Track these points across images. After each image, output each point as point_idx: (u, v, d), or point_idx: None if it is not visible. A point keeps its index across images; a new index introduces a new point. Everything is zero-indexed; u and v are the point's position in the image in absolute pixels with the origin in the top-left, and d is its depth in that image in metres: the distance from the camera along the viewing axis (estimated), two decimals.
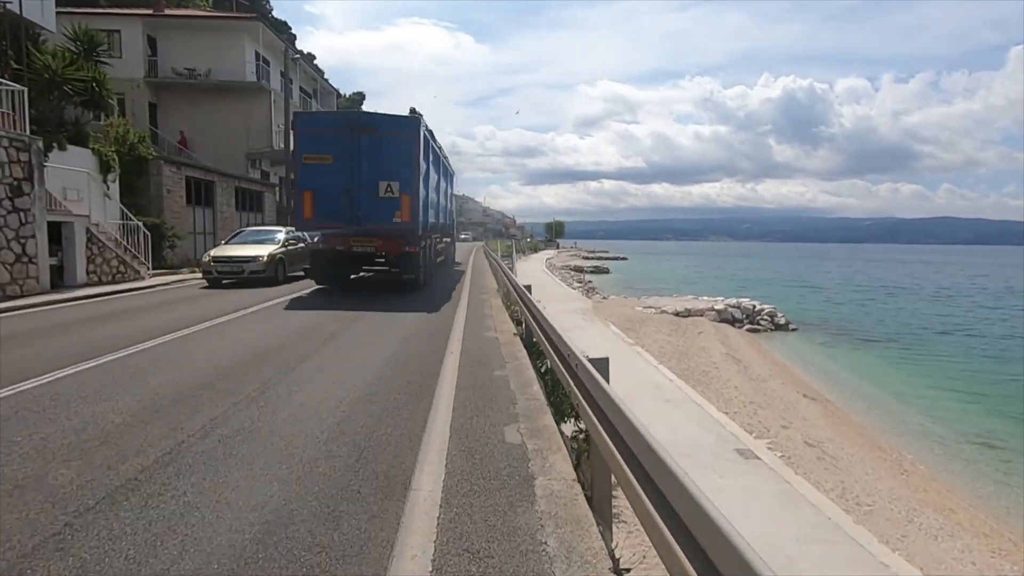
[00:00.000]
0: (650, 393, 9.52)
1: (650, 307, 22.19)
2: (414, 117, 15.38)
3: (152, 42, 28.44)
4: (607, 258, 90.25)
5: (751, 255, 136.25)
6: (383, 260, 14.72)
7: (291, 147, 17.02)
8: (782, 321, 22.26)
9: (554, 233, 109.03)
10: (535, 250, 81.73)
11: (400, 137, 13.29)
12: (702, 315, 21.51)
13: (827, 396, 12.47)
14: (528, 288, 10.81)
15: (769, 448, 7.97)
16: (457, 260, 28.17)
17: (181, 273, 19.72)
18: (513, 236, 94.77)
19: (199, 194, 23.90)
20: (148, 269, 18.25)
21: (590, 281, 42.50)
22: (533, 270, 42.84)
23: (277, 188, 30.89)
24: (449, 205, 22.67)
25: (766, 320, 22.23)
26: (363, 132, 13.10)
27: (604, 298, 25.52)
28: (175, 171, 21.90)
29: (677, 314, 21.33)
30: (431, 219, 16.19)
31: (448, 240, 25.72)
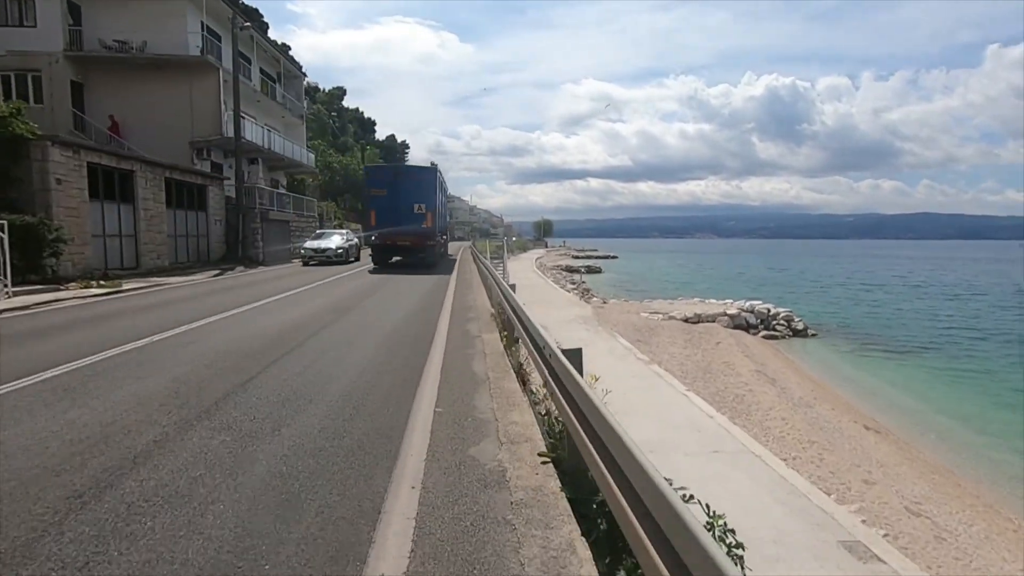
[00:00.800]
0: (691, 440, 7.28)
1: (656, 312, 20.04)
2: (432, 167, 25.69)
3: (75, 9, 23.79)
4: (597, 257, 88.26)
5: (742, 252, 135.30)
6: (414, 250, 23.37)
7: (365, 189, 25.39)
8: (800, 326, 20.22)
9: (542, 232, 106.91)
10: (523, 249, 79.50)
11: (424, 178, 23.42)
12: (714, 321, 19.39)
13: (889, 426, 10.34)
14: (513, 287, 11.71)
15: (865, 523, 5.77)
16: (449, 254, 34.17)
17: (67, 288, 14.50)
18: (492, 235, 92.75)
19: (111, 187, 18.86)
20: (5, 286, 13.07)
21: (584, 282, 40.37)
22: (523, 270, 40.71)
23: (225, 183, 25.50)
24: (447, 215, 32.85)
25: (783, 325, 20.18)
26: (403, 175, 23.77)
27: (604, 302, 23.31)
28: (70, 156, 16.80)
29: (687, 320, 19.19)
30: (440, 225, 25.34)
31: (446, 238, 34.19)
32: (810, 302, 30.05)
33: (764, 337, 19.14)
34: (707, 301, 23.89)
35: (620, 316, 19.26)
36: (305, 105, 30.33)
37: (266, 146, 27.52)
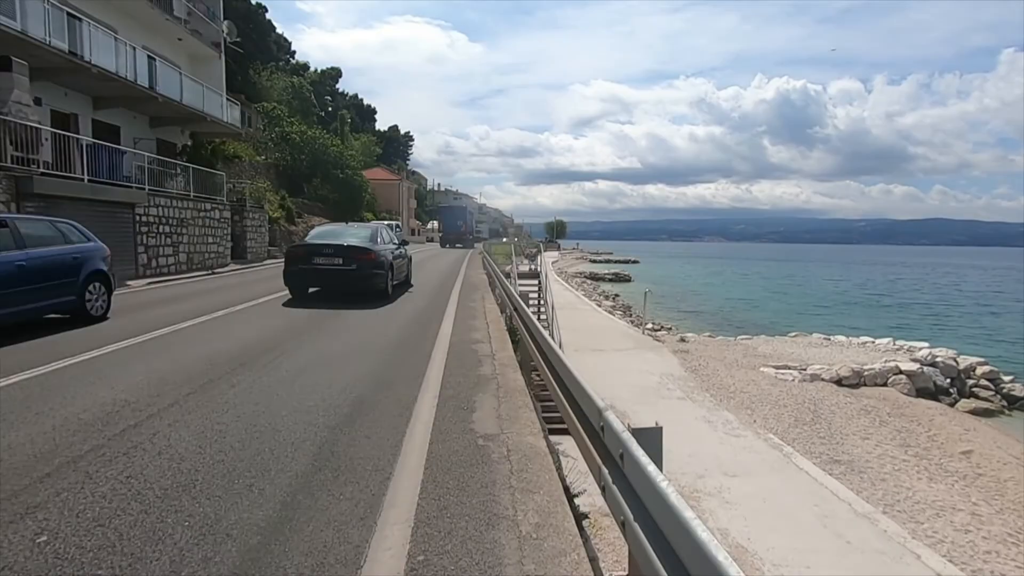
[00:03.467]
0: None
1: (784, 367, 12.47)
2: (464, 204, 71.49)
3: None
4: (617, 261, 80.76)
5: (770, 258, 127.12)
6: (460, 242, 45.53)
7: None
8: (1019, 390, 12.60)
9: (555, 233, 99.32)
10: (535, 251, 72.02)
11: (465, 207, 62.95)
12: (885, 383, 11.82)
13: None
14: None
15: None
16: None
17: None
18: (502, 235, 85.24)
19: None
20: None
21: (617, 295, 33.05)
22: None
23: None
24: (474, 224, 55.68)
25: (987, 388, 12.57)
26: (455, 205, 68.40)
27: (682, 340, 15.65)
28: None
29: (841, 383, 11.65)
30: (471, 232, 51.15)
31: (471, 236, 50.27)
32: (970, 336, 22.21)
33: (973, 412, 11.58)
34: (833, 340, 16.28)
35: (729, 374, 11.70)
36: (225, 30, 21.26)
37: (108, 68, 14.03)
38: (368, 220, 40.91)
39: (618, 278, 46.45)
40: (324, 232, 11.49)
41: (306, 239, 11.54)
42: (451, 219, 49.77)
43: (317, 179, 29.84)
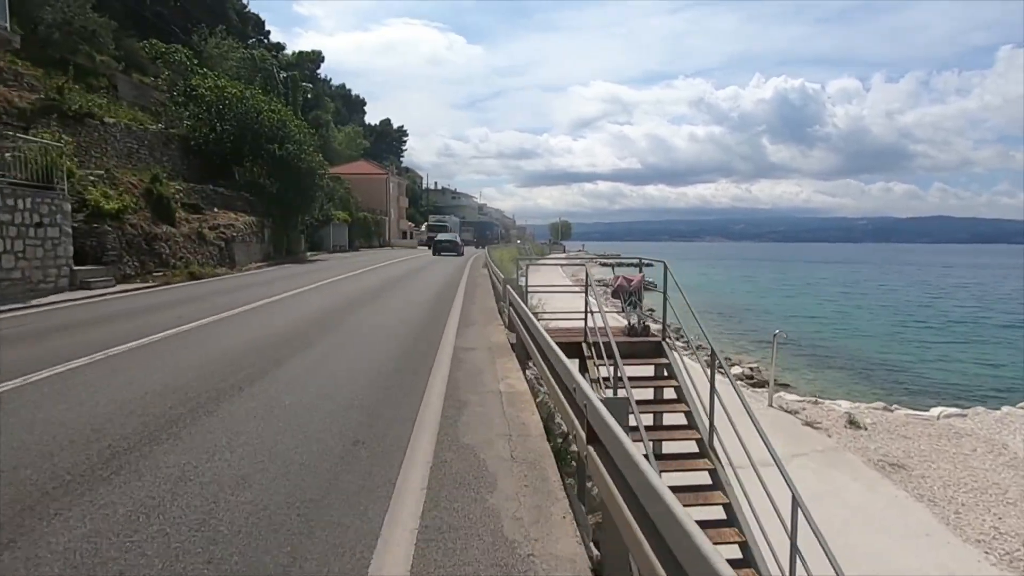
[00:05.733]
0: None
1: None
2: (446, 220, 58.05)
3: None
4: (629, 264, 73.58)
5: (782, 258, 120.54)
6: (453, 250, 37.89)
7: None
8: None
9: (559, 235, 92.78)
10: (541, 255, 65.37)
11: (447, 224, 56.20)
12: None
13: None
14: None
15: None
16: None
17: None
18: (504, 238, 78.72)
19: None
20: None
21: (651, 311, 26.50)
22: (545, 284, 27.32)
23: None
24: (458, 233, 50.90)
25: None
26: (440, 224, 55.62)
27: (853, 424, 8.87)
28: None
29: None
30: (459, 239, 43.61)
31: (462, 245, 45.24)
32: None
33: None
34: None
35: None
36: None
37: None
38: (335, 219, 33.51)
39: (645, 288, 39.77)
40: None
41: None
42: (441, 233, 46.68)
43: (249, 159, 20.50)
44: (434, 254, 36.07)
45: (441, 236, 47.23)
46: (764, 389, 12.39)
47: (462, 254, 38.88)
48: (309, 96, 53.14)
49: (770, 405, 9.49)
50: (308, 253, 27.80)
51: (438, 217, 58.97)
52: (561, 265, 33.23)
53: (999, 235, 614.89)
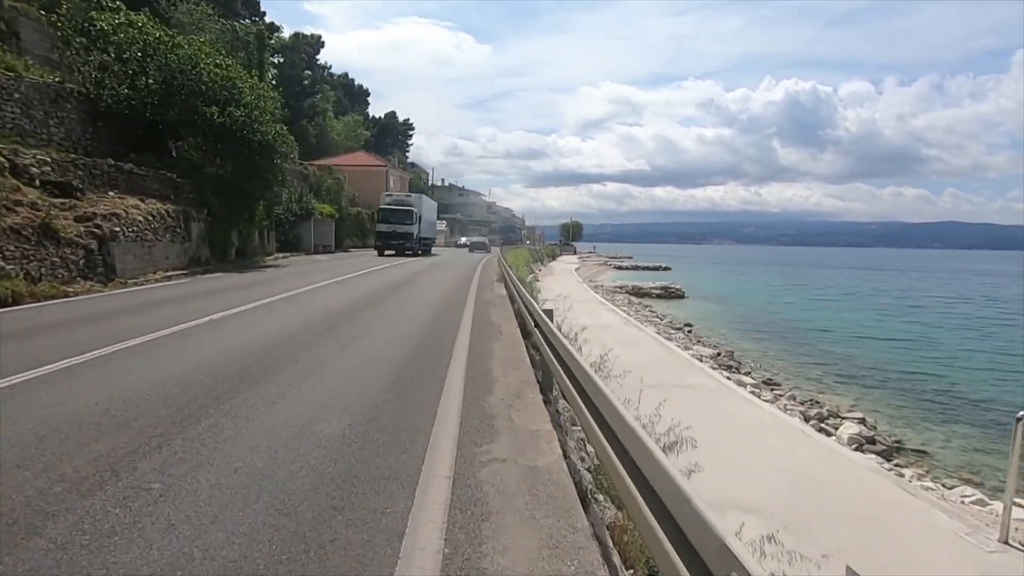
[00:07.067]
0: None
1: None
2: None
3: None
4: (646, 268, 69.64)
5: (799, 262, 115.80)
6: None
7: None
8: None
9: (570, 236, 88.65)
10: (552, 256, 61.38)
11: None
12: None
13: None
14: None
15: None
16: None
17: None
18: (514, 240, 74.76)
19: None
20: None
21: (689, 326, 22.45)
22: (576, 294, 23.21)
23: None
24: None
25: None
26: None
27: None
28: None
29: None
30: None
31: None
32: None
33: None
34: None
35: None
36: None
37: None
38: (319, 213, 27.91)
39: (668, 293, 35.69)
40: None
41: None
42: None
43: (185, 128, 15.47)
44: (380, 254, 27.70)
45: (474, 238, 45.02)
46: (925, 480, 8.30)
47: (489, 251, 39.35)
48: (307, 83, 49.36)
49: (1005, 541, 5.43)
50: (279, 255, 23.24)
51: (397, 199, 34.89)
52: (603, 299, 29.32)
53: (1013, 241, 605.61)
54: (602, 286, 34.47)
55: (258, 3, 47.11)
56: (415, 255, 30.90)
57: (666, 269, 68.57)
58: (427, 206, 37.63)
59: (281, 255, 23.43)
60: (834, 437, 9.53)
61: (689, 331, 21.53)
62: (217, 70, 15.17)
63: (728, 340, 20.71)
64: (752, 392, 11.09)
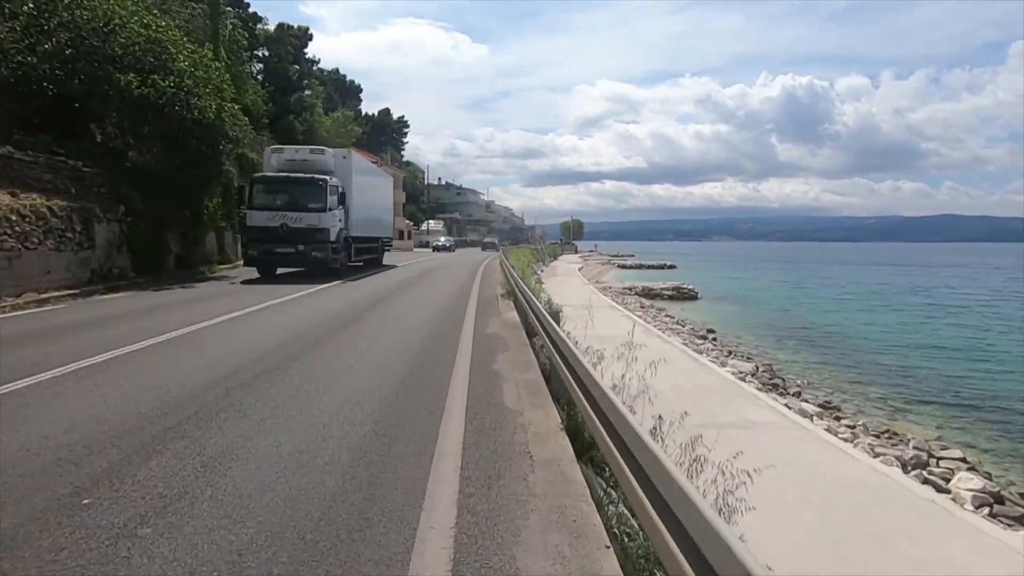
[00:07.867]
0: None
1: None
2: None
3: None
4: (651, 267, 67.37)
5: (803, 259, 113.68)
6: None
7: None
8: None
9: (571, 235, 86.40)
10: (554, 256, 59.14)
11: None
12: None
13: None
14: None
15: None
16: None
17: None
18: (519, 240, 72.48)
19: None
20: None
21: (712, 333, 20.10)
22: (586, 298, 20.86)
23: None
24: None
25: None
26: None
27: None
28: None
29: None
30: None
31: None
32: None
33: None
34: None
35: None
36: None
37: None
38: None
39: (680, 294, 33.36)
40: None
41: None
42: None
43: (95, 101, 12.04)
44: (260, 272, 15.75)
45: (486, 239, 45.39)
46: None
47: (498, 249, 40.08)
48: (295, 78, 46.97)
49: None
50: (238, 263, 19.25)
51: (289, 157, 17.10)
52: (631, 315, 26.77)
53: (1012, 233, 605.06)
54: (610, 287, 32.16)
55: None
56: (337, 271, 16.46)
57: (671, 267, 66.29)
58: (360, 172, 19.82)
59: (241, 264, 18.73)
60: (950, 496, 7.22)
61: (714, 339, 19.22)
62: (143, 31, 12.22)
63: (760, 350, 18.41)
64: (827, 429, 8.75)
